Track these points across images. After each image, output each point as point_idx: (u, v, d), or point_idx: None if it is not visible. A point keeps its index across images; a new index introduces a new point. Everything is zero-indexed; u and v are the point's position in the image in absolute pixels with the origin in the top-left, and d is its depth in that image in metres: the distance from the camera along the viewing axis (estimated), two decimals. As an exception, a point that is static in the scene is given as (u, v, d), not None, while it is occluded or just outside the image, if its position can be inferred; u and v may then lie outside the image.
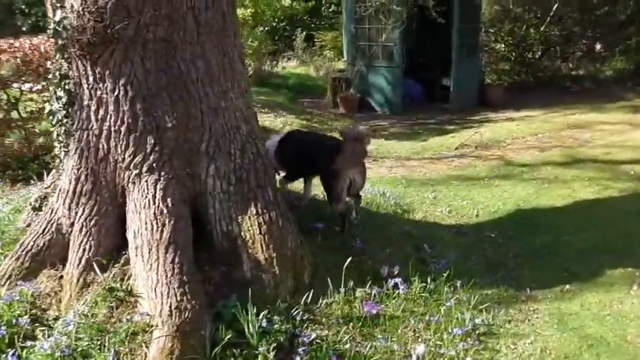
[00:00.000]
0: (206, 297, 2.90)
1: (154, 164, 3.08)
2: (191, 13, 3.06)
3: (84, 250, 3.03)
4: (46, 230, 3.17)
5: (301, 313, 2.98)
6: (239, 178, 3.24)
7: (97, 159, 3.12)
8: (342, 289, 3.21)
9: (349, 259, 3.28)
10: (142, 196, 3.03)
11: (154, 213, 2.97)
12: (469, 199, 5.56)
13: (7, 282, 3.07)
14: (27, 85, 5.92)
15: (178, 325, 2.58)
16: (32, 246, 3.14)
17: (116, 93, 3.06)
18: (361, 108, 10.87)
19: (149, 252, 2.85)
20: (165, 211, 2.98)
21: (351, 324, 3.00)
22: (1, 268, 3.12)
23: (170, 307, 2.63)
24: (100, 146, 3.10)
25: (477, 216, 5.12)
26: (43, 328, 2.75)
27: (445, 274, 3.50)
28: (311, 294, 3.12)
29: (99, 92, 3.08)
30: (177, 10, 3.01)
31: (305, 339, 2.78)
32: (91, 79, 3.08)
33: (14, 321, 2.74)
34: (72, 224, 3.13)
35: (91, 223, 3.09)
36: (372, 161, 7.20)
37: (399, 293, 3.29)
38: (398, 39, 10.03)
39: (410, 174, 6.55)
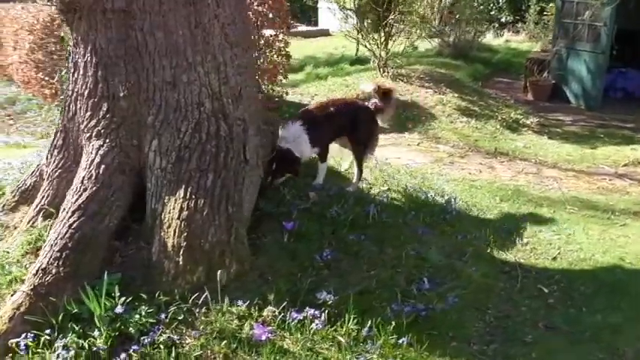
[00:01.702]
0: (111, 267, 2.94)
1: (102, 130, 3.17)
2: (152, -18, 2.98)
3: (43, 197, 3.33)
4: (34, 173, 3.57)
5: (179, 312, 2.79)
6: (180, 157, 3.12)
7: (68, 118, 3.34)
8: (254, 302, 2.90)
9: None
10: (86, 159, 3.17)
11: (84, 177, 3.08)
12: (569, 233, 4.35)
13: (1, 210, 3.57)
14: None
15: (36, 285, 2.67)
16: (23, 184, 3.58)
17: (85, 58, 3.20)
18: (553, 97, 9.29)
19: (60, 212, 2.99)
20: (93, 177, 3.07)
21: (223, 342, 2.70)
22: (3, 198, 3.65)
23: (39, 267, 2.73)
24: (71, 107, 3.31)
25: (554, 259, 4.00)
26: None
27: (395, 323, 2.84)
28: (212, 296, 2.87)
29: (76, 56, 3.27)
30: (136, -21, 2.96)
31: (148, 339, 2.61)
32: (72, 43, 3.27)
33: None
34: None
35: (55, 175, 3.36)
36: (506, 161, 6.19)
37: (311, 328, 2.80)
38: (608, 18, 8.11)
39: (531, 185, 5.42)
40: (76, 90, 3.26)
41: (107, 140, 3.14)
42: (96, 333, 2.62)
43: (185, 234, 2.95)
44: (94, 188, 3.03)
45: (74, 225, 2.90)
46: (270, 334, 2.75)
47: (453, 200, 4.62)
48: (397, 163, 5.76)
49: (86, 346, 2.58)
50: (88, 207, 2.97)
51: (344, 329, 2.83)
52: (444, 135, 7.01)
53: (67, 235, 2.86)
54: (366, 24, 8.53)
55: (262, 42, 7.97)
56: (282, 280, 3.13)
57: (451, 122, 7.39)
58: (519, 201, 4.94)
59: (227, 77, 3.29)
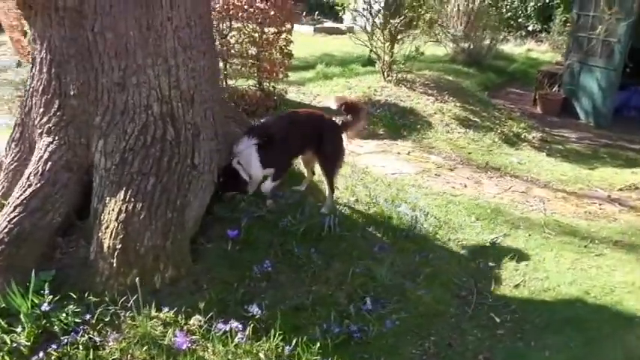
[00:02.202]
0: (50, 263, 2.98)
1: (52, 127, 3.21)
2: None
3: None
4: (-5, 164, 3.63)
5: (106, 314, 2.81)
6: (123, 159, 3.14)
7: (25, 112, 3.39)
8: (183, 310, 2.90)
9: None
10: (35, 155, 3.21)
11: (30, 173, 3.13)
12: (539, 260, 4.22)
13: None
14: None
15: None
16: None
17: (41, 55, 3.24)
18: (563, 112, 9.06)
19: (5, 206, 3.03)
20: (39, 173, 3.12)
21: (144, 348, 2.71)
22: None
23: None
24: (28, 102, 3.36)
25: (516, 286, 3.86)
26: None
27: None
28: (144, 300, 2.88)
29: (34, 52, 3.30)
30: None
31: (70, 338, 2.63)
32: (32, 39, 3.31)
33: None
34: (7, 164, 3.51)
35: (11, 167, 3.42)
36: (496, 177, 6.06)
37: (234, 341, 2.78)
38: (622, 35, 7.84)
39: (515, 204, 5.27)
40: (32, 85, 3.31)
41: (56, 137, 3.18)
42: (19, 329, 2.66)
43: (121, 236, 2.97)
44: (39, 185, 3.07)
45: (14, 220, 2.95)
46: (191, 344, 2.75)
47: (422, 216, 4.53)
48: (379, 172, 5.68)
49: (8, 341, 2.62)
50: (30, 203, 3.02)
51: (267, 345, 2.79)
52: (437, 145, 6.88)
53: (5, 230, 2.91)
54: (373, 25, 8.39)
55: (263, 39, 7.98)
56: (216, 289, 3.12)
57: (447, 132, 7.24)
58: (496, 221, 4.80)
59: (178, 81, 3.28)
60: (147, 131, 3.18)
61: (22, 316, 2.69)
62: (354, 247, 3.83)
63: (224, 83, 8.34)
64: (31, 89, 3.31)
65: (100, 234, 3.00)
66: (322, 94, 9.16)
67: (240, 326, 2.82)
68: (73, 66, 3.14)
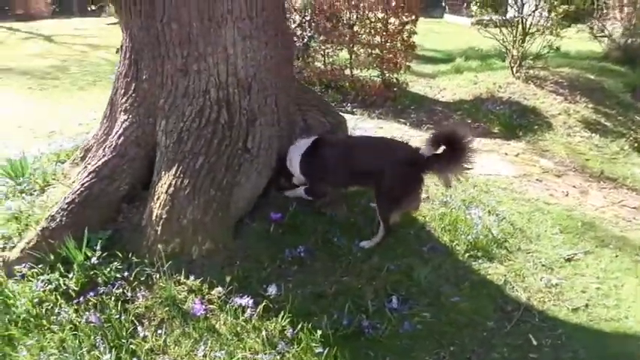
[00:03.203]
0: (112, 225, 3.46)
1: (128, 107, 3.66)
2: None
3: (90, 157, 3.94)
4: (96, 135, 4.21)
5: (143, 274, 3.17)
6: (180, 139, 3.47)
7: (114, 93, 3.89)
8: (209, 280, 3.17)
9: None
10: (114, 130, 3.69)
11: (106, 146, 3.61)
12: (616, 285, 3.74)
13: (71, 163, 4.31)
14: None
15: (44, 227, 3.29)
16: (87, 144, 4.26)
17: (126, 43, 3.72)
18: None
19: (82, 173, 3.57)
20: (112, 146, 3.59)
21: (165, 308, 3.02)
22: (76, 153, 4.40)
23: (50, 214, 3.33)
24: (116, 84, 3.86)
25: (575, 310, 3.46)
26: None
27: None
28: (180, 267, 3.19)
29: (122, 40, 3.79)
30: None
31: (107, 289, 3.04)
32: (121, 29, 3.80)
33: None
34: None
35: (101, 140, 3.94)
36: (609, 188, 5.46)
37: (245, 316, 2.97)
38: None
39: (617, 220, 4.71)
40: (119, 69, 3.78)
41: (130, 116, 3.61)
42: (71, 275, 3.13)
43: (167, 207, 3.30)
44: (110, 156, 3.53)
45: (86, 184, 3.44)
46: (206, 312, 2.98)
47: (495, 221, 4.25)
48: (473, 171, 5.40)
49: (62, 284, 3.10)
50: (101, 171, 3.49)
51: (273, 325, 2.93)
52: (552, 148, 6.30)
53: (77, 192, 3.41)
54: (494, 17, 7.88)
55: (388, 29, 7.98)
56: (246, 266, 3.32)
57: (568, 135, 6.58)
58: (584, 236, 4.30)
59: (236, 68, 3.51)
60: (202, 114, 3.47)
61: (75, 265, 3.15)
62: (402, 244, 3.75)
63: (350, 72, 8.56)
64: (117, 73, 3.80)
65: (152, 203, 3.37)
66: (448, 88, 8.90)
67: (251, 302, 2.98)
68: (147, 53, 3.53)
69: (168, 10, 3.39)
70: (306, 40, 8.35)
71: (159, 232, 3.28)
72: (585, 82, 8.09)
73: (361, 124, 6.41)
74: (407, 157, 3.49)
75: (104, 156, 3.55)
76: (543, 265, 3.89)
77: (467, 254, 3.82)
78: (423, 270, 3.49)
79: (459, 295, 3.41)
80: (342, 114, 5.19)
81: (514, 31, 7.83)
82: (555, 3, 7.25)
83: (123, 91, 3.68)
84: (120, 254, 3.25)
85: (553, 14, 7.22)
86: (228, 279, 3.14)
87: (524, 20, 7.58)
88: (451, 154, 3.36)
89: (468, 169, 3.48)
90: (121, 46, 3.78)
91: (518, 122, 6.92)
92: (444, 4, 21.19)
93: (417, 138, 6.15)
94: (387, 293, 3.30)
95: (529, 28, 7.80)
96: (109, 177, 3.49)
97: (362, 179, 3.65)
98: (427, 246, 3.78)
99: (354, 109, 7.51)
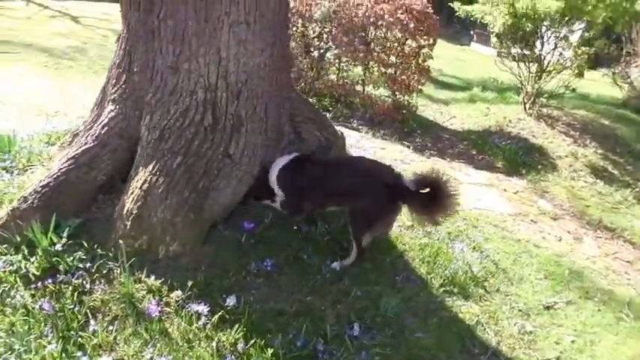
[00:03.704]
0: (85, 214, 3.43)
1: (117, 98, 3.63)
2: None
3: (76, 143, 3.92)
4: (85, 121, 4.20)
5: (105, 267, 3.12)
6: (161, 136, 3.43)
7: (106, 82, 3.87)
8: (170, 283, 3.11)
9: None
10: (100, 120, 3.67)
11: (89, 134, 3.58)
12: (592, 340, 3.61)
13: (59, 146, 4.30)
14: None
15: (15, 207, 3.26)
16: (77, 129, 4.24)
17: (123, 33, 3.70)
18: None
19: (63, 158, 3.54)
20: (95, 135, 3.56)
21: (121, 305, 2.96)
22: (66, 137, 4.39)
23: (23, 195, 3.30)
24: (109, 73, 3.83)
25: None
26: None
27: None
28: (143, 265, 3.15)
29: (121, 30, 3.77)
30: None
31: (66, 278, 2.99)
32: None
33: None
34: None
35: (87, 127, 3.92)
36: (604, 238, 5.31)
37: (199, 324, 2.91)
38: None
39: (606, 272, 4.56)
40: (114, 59, 3.76)
41: (117, 107, 3.59)
42: (33, 259, 3.09)
43: (139, 203, 3.26)
44: (92, 144, 3.50)
45: (63, 169, 3.41)
46: (161, 314, 2.92)
47: (478, 258, 4.14)
48: (468, 205, 5.30)
49: (23, 267, 3.06)
50: (80, 158, 3.46)
51: (225, 337, 2.86)
52: (553, 190, 6.17)
53: (54, 176, 3.38)
54: (512, 51, 7.78)
55: (404, 51, 7.92)
56: (210, 273, 3.25)
57: (572, 179, 6.44)
58: (568, 285, 4.17)
59: (227, 72, 3.47)
60: (187, 114, 3.43)
61: (39, 249, 3.11)
62: (376, 271, 3.66)
63: (362, 89, 8.50)
64: (112, 62, 3.78)
65: (125, 197, 3.33)
66: (458, 117, 8.83)
67: (207, 310, 2.91)
68: (141, 46, 3.50)
69: (166, 5, 3.36)
70: (322, 51, 8.31)
71: (128, 227, 3.23)
72: (599, 126, 7.96)
73: (363, 143, 6.35)
74: (385, 180, 3.40)
75: (85, 144, 3.52)
76: (520, 310, 3.76)
77: (442, 289, 3.71)
78: (392, 300, 3.40)
79: (425, 330, 3.30)
80: (342, 130, 5.15)
81: (531, 67, 7.71)
82: (575, 44, 7.12)
83: (114, 81, 3.66)
84: (86, 244, 3.21)
85: (572, 54, 7.08)
86: (189, 283, 3.09)
87: (542, 57, 7.46)
88: (434, 199, 3.28)
89: (448, 215, 3.42)
90: (119, 36, 3.76)
91: (523, 159, 6.81)
92: (472, 32, 21.22)
93: (418, 162, 6.08)
94: (349, 319, 3.20)
95: (547, 66, 7.68)
96: (87, 165, 3.45)
97: (339, 200, 3.59)
98: (401, 275, 3.68)
99: (360, 126, 7.44)
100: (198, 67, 3.43)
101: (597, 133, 7.63)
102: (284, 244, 3.61)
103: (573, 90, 7.68)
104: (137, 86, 3.54)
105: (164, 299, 3.04)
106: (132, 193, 3.30)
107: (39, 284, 2.98)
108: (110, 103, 3.62)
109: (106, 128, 3.55)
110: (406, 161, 6.15)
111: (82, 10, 13.45)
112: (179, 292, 3.05)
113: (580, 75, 7.38)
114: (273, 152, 3.87)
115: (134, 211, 3.24)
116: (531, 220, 5.35)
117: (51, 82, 7.51)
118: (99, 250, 3.20)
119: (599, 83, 11.49)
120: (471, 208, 5.18)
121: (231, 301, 3.04)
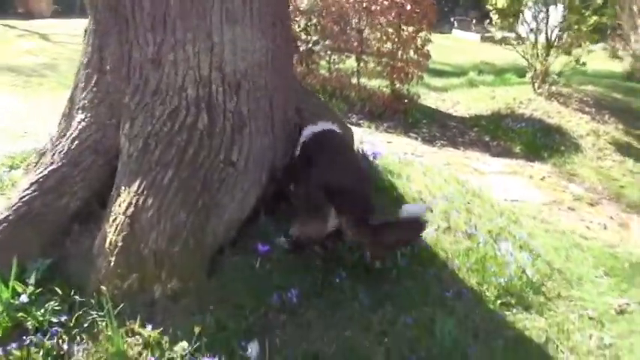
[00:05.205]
0: (57, 250, 2.75)
1: (87, 104, 2.97)
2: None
3: (42, 164, 3.23)
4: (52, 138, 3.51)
5: (85, 319, 2.44)
6: (146, 146, 2.76)
7: (74, 87, 3.19)
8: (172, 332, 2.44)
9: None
10: (68, 132, 2.98)
11: (56, 151, 2.90)
12: None
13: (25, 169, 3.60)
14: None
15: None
16: (44, 148, 3.54)
17: (90, 26, 3.05)
18: None
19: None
20: (63, 151, 2.88)
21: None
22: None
23: None
24: (77, 76, 3.16)
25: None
26: None
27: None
28: (136, 310, 2.48)
29: (87, 24, 3.09)
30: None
31: (36, 339, 2.31)
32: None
33: None
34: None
35: (56, 144, 3.23)
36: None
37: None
38: None
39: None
40: (81, 59, 3.09)
41: (88, 115, 2.92)
42: (-8, 316, 2.40)
43: (125, 233, 2.59)
44: (60, 164, 2.84)
45: (25, 199, 2.73)
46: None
47: (529, 259, 3.54)
48: (497, 196, 4.70)
49: (-22, 327, 2.37)
50: (45, 182, 2.78)
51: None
52: (582, 172, 5.62)
53: (14, 207, 2.69)
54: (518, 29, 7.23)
55: (400, 36, 7.34)
56: (222, 314, 2.58)
57: (598, 158, 5.91)
58: (633, 281, 3.60)
59: (222, 61, 2.81)
60: (176, 117, 2.77)
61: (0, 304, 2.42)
62: (420, 288, 3.02)
63: (357, 81, 7.90)
64: (79, 63, 3.10)
65: (106, 227, 2.65)
66: (462, 102, 8.28)
67: (224, 367, 2.24)
68: (113, 38, 2.84)
69: (140, -17, 2.69)
70: (310, 44, 7.67)
71: (112, 264, 2.56)
72: (612, 101, 7.46)
73: (368, 138, 5.72)
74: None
75: (51, 164, 2.84)
76: (591, 319, 3.17)
77: (498, 301, 3.10)
78: (447, 323, 2.76)
79: (491, 358, 2.67)
80: (348, 125, 4.53)
81: (536, 45, 7.16)
82: (587, 14, 6.58)
83: (82, 85, 3.00)
84: (60, 291, 2.52)
85: (583, 26, 6.54)
86: (197, 330, 2.40)
87: (548, 33, 6.90)
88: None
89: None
90: (86, 30, 3.07)
91: (543, 142, 6.26)
92: (452, 19, 21.32)
93: (430, 155, 5.49)
94: (402, 355, 2.56)
95: (553, 42, 7.13)
96: (55, 190, 2.77)
97: None
98: (451, 291, 3.05)
99: (360, 121, 6.84)
100: (187, 58, 2.77)
101: (613, 108, 7.13)
102: (307, 266, 2.95)
103: (584, 64, 7.15)
104: (111, 88, 2.88)
105: (166, 354, 2.35)
106: (114, 221, 2.63)
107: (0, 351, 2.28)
108: (80, 111, 2.95)
109: (76, 142, 2.87)
110: (417, 154, 5.56)
111: (51, 27, 12.72)
112: (184, 344, 2.37)
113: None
114: (282, 155, 3.22)
115: (119, 243, 2.57)
116: (568, 208, 4.80)
117: (19, 102, 6.81)
118: (77, 297, 2.51)
119: (591, 56, 11.06)
120: (503, 200, 4.59)
121: (252, 348, 2.38)
